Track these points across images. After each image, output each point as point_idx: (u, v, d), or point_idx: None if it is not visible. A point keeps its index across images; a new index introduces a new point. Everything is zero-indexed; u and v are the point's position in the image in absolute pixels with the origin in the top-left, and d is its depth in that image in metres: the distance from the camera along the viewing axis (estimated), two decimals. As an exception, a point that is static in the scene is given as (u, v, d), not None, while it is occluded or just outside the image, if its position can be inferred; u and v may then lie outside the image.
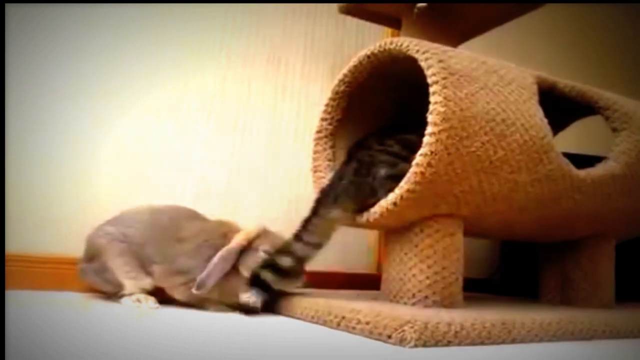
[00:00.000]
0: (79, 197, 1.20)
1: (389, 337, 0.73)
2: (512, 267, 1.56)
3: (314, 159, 1.14)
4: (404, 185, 0.91)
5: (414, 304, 0.94)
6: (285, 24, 1.51)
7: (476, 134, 0.89)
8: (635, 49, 2.27)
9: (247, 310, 0.93)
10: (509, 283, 1.55)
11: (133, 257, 1.00)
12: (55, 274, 1.11)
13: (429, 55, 0.91)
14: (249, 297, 0.93)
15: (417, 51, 0.93)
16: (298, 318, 0.94)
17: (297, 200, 1.45)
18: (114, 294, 1.00)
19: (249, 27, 1.45)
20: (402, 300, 0.96)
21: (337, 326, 0.84)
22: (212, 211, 1.14)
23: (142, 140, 1.29)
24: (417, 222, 0.96)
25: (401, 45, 0.96)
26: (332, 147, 1.14)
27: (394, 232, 1.01)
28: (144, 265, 1.00)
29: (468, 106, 0.89)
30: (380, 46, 1.02)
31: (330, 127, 1.13)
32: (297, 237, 0.96)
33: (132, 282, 0.99)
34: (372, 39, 1.60)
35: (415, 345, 0.71)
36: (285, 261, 0.96)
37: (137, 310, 0.92)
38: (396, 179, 0.93)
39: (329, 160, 1.13)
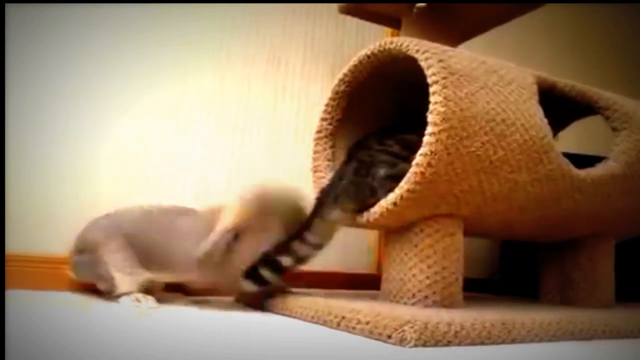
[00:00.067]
0: (79, 197, 1.20)
1: (389, 337, 0.73)
2: (512, 267, 1.56)
3: (314, 159, 1.14)
4: (404, 185, 0.91)
5: (414, 304, 0.94)
6: (285, 24, 1.51)
7: (476, 134, 0.89)
8: (635, 49, 2.27)
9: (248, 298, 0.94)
10: (509, 283, 1.55)
11: (130, 252, 1.00)
12: (55, 274, 1.11)
13: (429, 55, 0.91)
14: (248, 284, 0.95)
15: (417, 51, 0.93)
16: (298, 318, 0.94)
17: (297, 200, 1.45)
18: (108, 291, 1.00)
19: (248, 27, 1.45)
20: (402, 300, 0.96)
21: (337, 326, 0.84)
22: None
23: (142, 140, 1.29)
24: (417, 222, 0.96)
25: (401, 45, 0.96)
26: (332, 147, 1.14)
27: (394, 232, 1.01)
28: (140, 260, 1.00)
29: (468, 106, 0.89)
30: (380, 46, 1.02)
31: (330, 127, 1.13)
32: (299, 236, 0.96)
33: (128, 277, 0.99)
34: (372, 39, 1.60)
35: (415, 345, 0.71)
36: (286, 261, 0.96)
37: (136, 310, 0.92)
38: (396, 179, 0.93)
39: (329, 160, 1.13)
